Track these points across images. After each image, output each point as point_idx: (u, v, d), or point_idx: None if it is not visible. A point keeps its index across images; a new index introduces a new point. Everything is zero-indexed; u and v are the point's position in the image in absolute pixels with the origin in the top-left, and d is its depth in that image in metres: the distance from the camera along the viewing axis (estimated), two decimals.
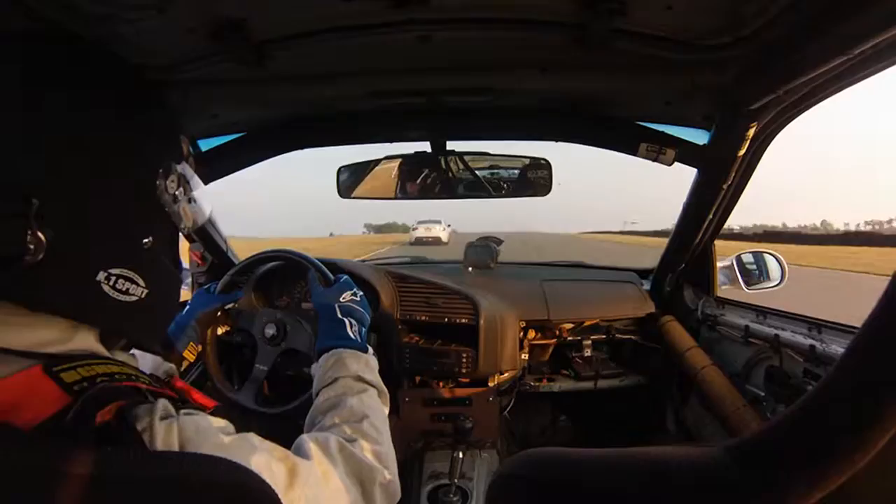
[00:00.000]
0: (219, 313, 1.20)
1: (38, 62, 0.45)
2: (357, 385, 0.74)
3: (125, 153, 0.49)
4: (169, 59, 0.86)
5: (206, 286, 1.21)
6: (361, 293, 0.94)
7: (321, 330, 0.85)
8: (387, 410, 0.76)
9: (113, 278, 0.46)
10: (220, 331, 1.24)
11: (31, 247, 0.40)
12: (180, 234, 0.59)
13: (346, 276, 0.97)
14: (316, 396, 0.73)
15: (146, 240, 0.50)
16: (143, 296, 0.49)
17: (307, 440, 0.57)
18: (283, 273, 1.41)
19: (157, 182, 0.51)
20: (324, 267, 1.04)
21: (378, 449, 0.64)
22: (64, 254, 0.42)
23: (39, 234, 0.40)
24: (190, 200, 0.57)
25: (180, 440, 0.42)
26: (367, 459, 0.60)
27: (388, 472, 0.62)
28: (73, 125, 0.45)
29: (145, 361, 0.77)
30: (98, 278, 0.45)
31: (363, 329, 0.86)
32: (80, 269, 0.44)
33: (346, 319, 0.85)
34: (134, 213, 0.49)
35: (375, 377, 0.78)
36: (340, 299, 0.89)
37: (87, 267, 0.45)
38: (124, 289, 0.47)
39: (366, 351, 0.81)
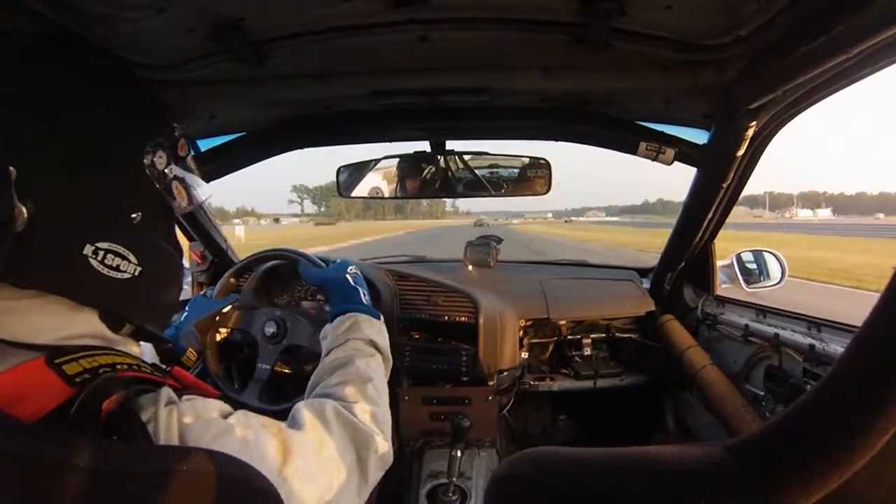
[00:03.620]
0: (217, 317, 1.20)
1: (18, 46, 0.45)
2: (367, 349, 0.76)
3: (107, 127, 0.49)
4: (168, 59, 0.86)
5: (202, 292, 1.21)
6: (360, 272, 0.96)
7: (335, 298, 0.87)
8: (387, 378, 0.78)
9: (101, 252, 0.46)
10: (219, 336, 1.25)
11: (14, 217, 0.39)
12: (176, 215, 0.59)
13: (342, 259, 1.00)
14: (326, 356, 0.75)
15: (135, 215, 0.49)
16: (136, 273, 0.49)
17: (302, 408, 0.58)
18: (283, 272, 1.41)
19: (145, 157, 0.51)
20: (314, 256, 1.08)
21: (377, 412, 0.66)
22: (48, 226, 0.42)
23: (20, 204, 0.40)
24: (182, 179, 0.57)
25: (181, 427, 0.42)
26: (364, 425, 0.61)
27: (384, 438, 0.64)
28: (52, 101, 0.45)
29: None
30: (85, 252, 0.45)
31: (370, 301, 0.89)
32: (65, 242, 0.44)
33: (358, 288, 0.88)
34: (119, 187, 0.49)
35: (385, 344, 0.80)
36: (348, 272, 0.92)
37: (73, 240, 0.44)
38: (114, 265, 0.47)
39: (379, 318, 0.83)
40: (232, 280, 1.29)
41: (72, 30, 0.69)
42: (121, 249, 0.47)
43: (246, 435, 0.46)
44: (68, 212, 0.44)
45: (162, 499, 0.36)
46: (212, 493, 0.38)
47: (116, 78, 0.54)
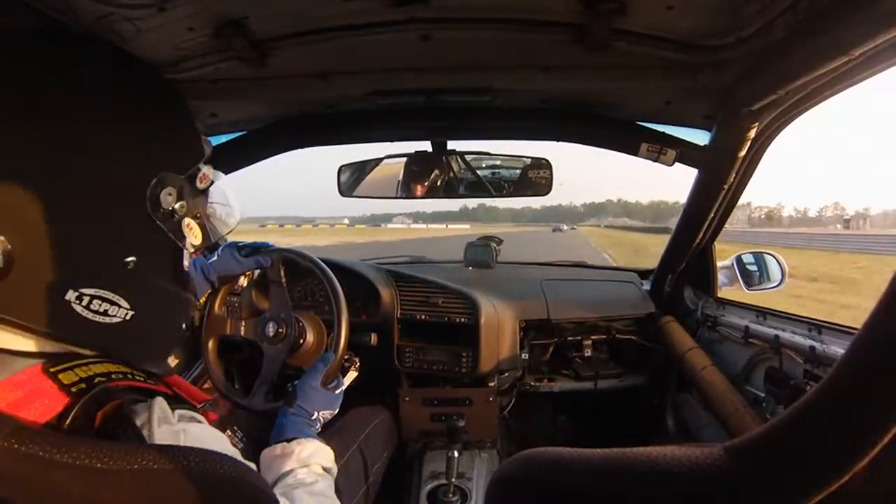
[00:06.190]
0: (236, 281, 1.18)
1: (17, 61, 0.42)
2: (326, 474, 0.78)
3: (100, 168, 0.44)
4: (169, 58, 0.86)
5: (236, 245, 1.13)
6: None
7: (294, 411, 0.89)
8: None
9: (86, 298, 0.43)
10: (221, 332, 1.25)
11: None
12: (188, 252, 0.54)
13: (342, 391, 0.99)
14: (288, 471, 0.75)
15: (129, 259, 0.46)
16: (127, 318, 0.46)
17: (304, 496, 0.65)
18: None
19: (148, 197, 0.46)
20: (336, 364, 1.02)
21: None
22: (27, 268, 0.40)
23: None
24: (197, 216, 0.53)
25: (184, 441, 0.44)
26: None
27: None
28: (35, 129, 0.40)
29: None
30: (67, 297, 0.42)
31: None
32: (45, 287, 0.41)
33: (319, 417, 0.91)
34: (110, 232, 0.45)
35: (335, 470, 0.82)
36: (322, 414, 0.92)
37: (53, 285, 0.41)
38: (102, 310, 0.44)
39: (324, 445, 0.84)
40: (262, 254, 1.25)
41: (72, 28, 0.69)
42: (109, 295, 0.44)
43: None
44: (49, 255, 0.41)
45: (156, 496, 0.36)
46: (205, 491, 0.39)
47: (123, 102, 0.47)
